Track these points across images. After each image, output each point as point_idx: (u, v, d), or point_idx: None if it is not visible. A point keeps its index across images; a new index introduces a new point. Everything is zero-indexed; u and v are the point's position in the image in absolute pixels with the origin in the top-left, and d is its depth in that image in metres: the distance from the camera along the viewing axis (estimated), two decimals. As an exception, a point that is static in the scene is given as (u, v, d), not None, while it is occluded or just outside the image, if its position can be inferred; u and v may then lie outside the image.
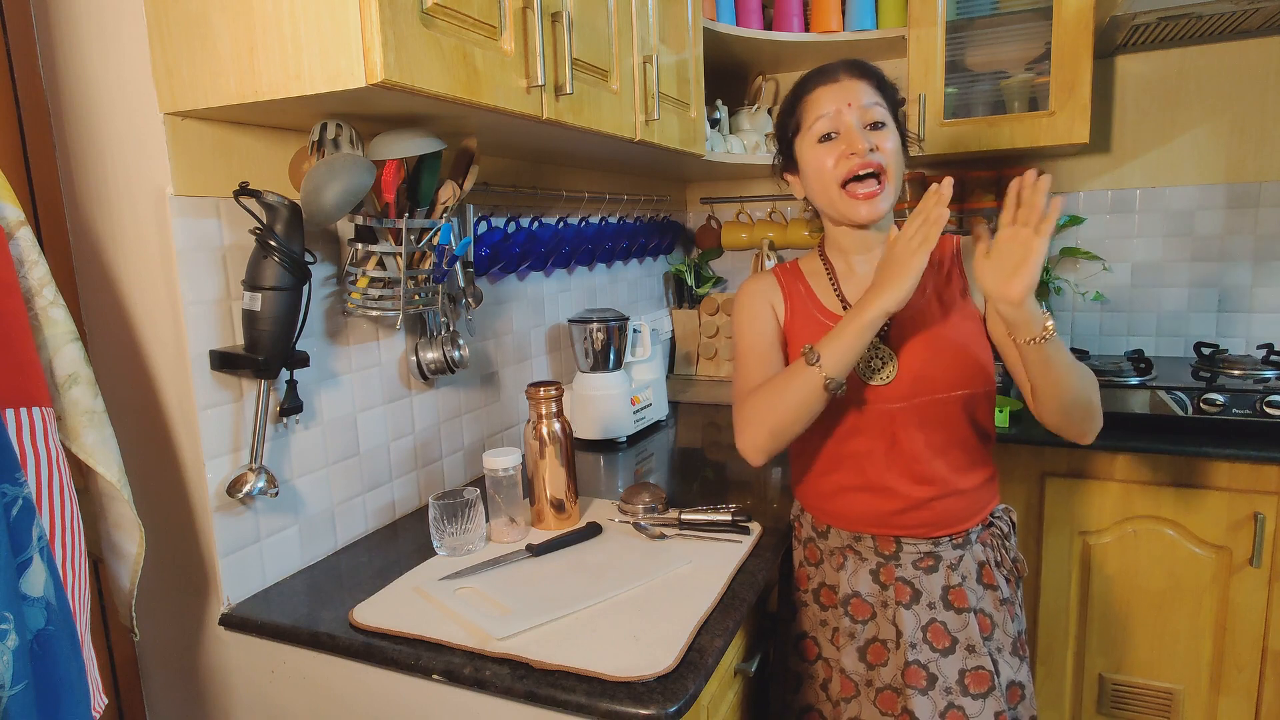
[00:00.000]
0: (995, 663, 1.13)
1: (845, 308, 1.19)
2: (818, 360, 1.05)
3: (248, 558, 1.15)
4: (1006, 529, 1.21)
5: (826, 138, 1.13)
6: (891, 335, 1.15)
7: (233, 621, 1.09)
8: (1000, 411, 1.77)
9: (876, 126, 1.12)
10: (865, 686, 1.17)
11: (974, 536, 1.17)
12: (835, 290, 1.21)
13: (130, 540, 0.98)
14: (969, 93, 2.14)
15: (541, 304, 1.91)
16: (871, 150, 1.10)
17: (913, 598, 1.14)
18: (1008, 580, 1.19)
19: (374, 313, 1.26)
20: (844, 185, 1.12)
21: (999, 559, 1.18)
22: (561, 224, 1.96)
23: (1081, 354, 2.10)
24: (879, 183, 1.11)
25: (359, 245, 1.22)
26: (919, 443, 1.13)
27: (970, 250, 1.18)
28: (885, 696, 1.14)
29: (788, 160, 1.22)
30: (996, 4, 2.06)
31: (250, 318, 1.06)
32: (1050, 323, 1.00)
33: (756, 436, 1.13)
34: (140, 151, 1.04)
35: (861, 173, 1.10)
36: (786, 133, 1.20)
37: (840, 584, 1.20)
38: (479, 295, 1.58)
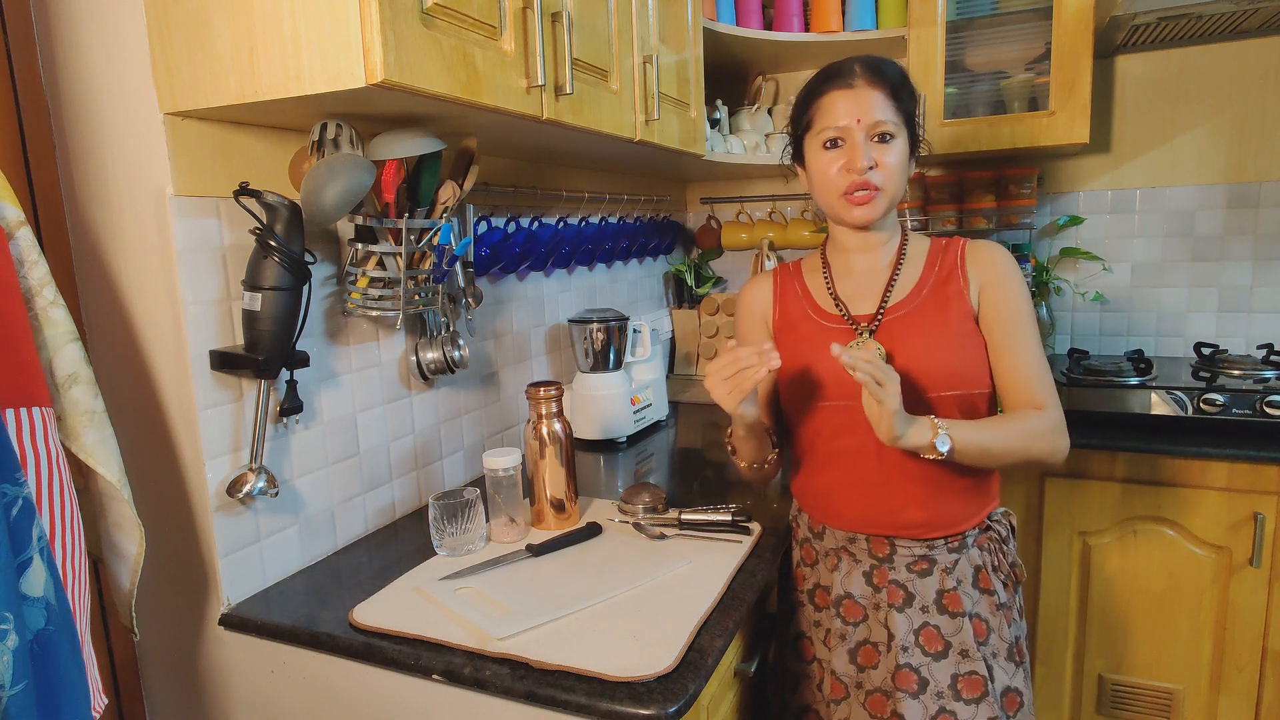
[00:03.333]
0: (990, 668, 1.12)
1: (838, 306, 1.20)
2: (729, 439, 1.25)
3: (248, 558, 1.15)
4: (1005, 533, 1.20)
5: (833, 143, 1.13)
6: (881, 333, 1.15)
7: (233, 621, 1.09)
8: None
9: (884, 139, 1.12)
10: (855, 689, 1.16)
11: (970, 540, 1.16)
12: (830, 289, 1.22)
13: (130, 540, 0.98)
14: (969, 93, 2.14)
15: (541, 304, 1.91)
16: (871, 168, 1.11)
17: (905, 600, 1.14)
18: (1005, 585, 1.18)
19: (374, 313, 1.26)
20: (846, 194, 1.14)
21: (996, 563, 1.17)
22: (561, 224, 1.96)
23: (1081, 354, 2.10)
24: (875, 190, 1.12)
25: (359, 245, 1.22)
26: None
27: (974, 253, 1.18)
28: (875, 699, 1.14)
29: (797, 153, 1.22)
30: (996, 4, 2.06)
31: (250, 318, 1.06)
32: (943, 447, 1.04)
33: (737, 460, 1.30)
34: (140, 151, 1.04)
35: (857, 191, 1.12)
36: (798, 128, 1.20)
37: (834, 585, 1.20)
38: (479, 295, 1.58)
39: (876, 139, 1.12)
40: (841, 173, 1.12)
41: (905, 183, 1.16)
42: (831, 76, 1.15)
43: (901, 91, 1.14)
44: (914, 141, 1.17)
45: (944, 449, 1.03)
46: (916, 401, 1.11)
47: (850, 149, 1.11)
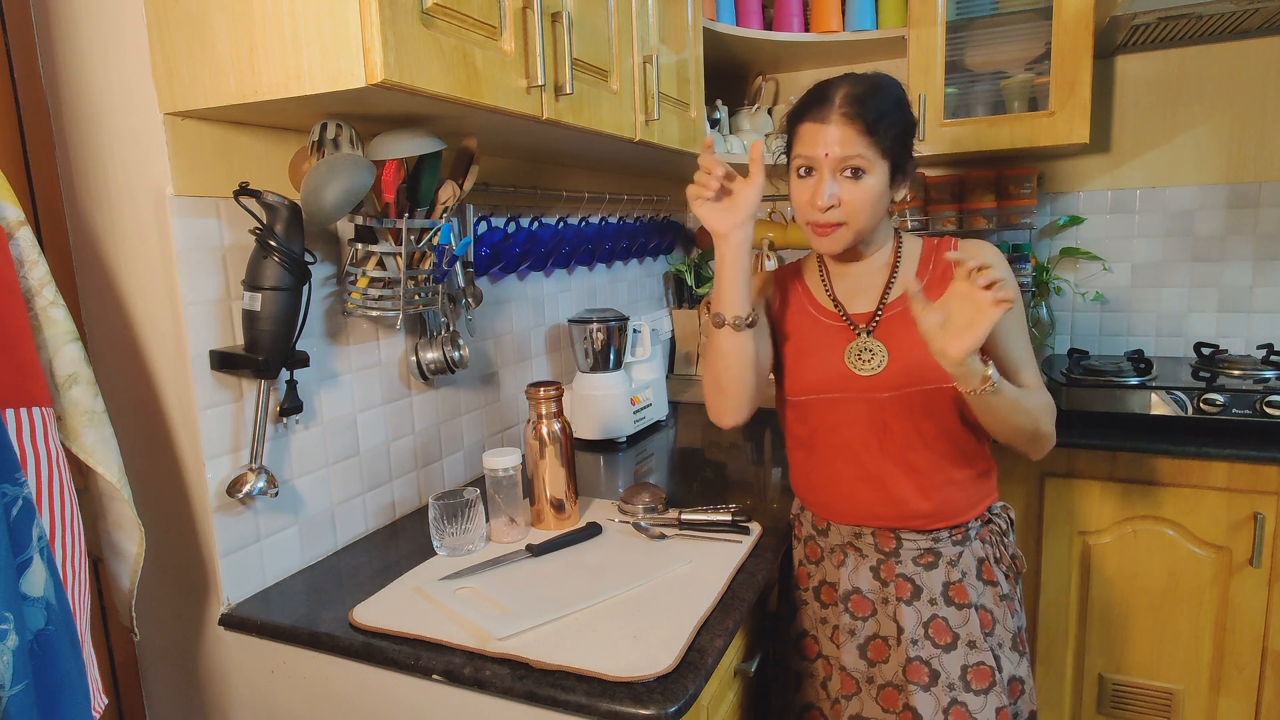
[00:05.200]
0: (997, 658, 1.14)
1: (836, 305, 1.20)
2: (714, 314, 1.16)
3: (248, 558, 1.15)
4: (1005, 526, 1.22)
5: (807, 171, 1.13)
6: (880, 328, 1.16)
7: (233, 621, 1.09)
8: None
9: (855, 173, 1.09)
10: (866, 684, 1.17)
11: (973, 533, 1.18)
12: (827, 290, 1.23)
13: (130, 540, 0.98)
14: (969, 93, 2.14)
15: (541, 304, 1.91)
16: (831, 209, 1.10)
17: (913, 594, 1.15)
18: (1007, 576, 1.20)
19: (374, 313, 1.26)
20: (811, 227, 1.14)
21: (998, 555, 1.20)
22: (561, 224, 1.96)
23: (1081, 354, 2.10)
24: (836, 226, 1.12)
25: (359, 245, 1.22)
26: (911, 432, 1.14)
27: (965, 251, 1.18)
28: (887, 693, 1.15)
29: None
30: (996, 4, 2.06)
31: (250, 318, 1.06)
32: (991, 374, 1.00)
33: (708, 399, 1.23)
34: (140, 151, 1.04)
35: (819, 226, 1.12)
36: (785, 144, 1.20)
37: (840, 581, 1.21)
38: (479, 295, 1.58)
39: (848, 173, 1.09)
40: (808, 204, 1.12)
41: (881, 212, 1.14)
42: (810, 104, 1.13)
43: (880, 125, 1.09)
44: (898, 167, 1.13)
45: (994, 376, 1.01)
46: (916, 393, 1.13)
47: (817, 181, 1.11)
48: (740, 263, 1.13)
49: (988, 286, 0.94)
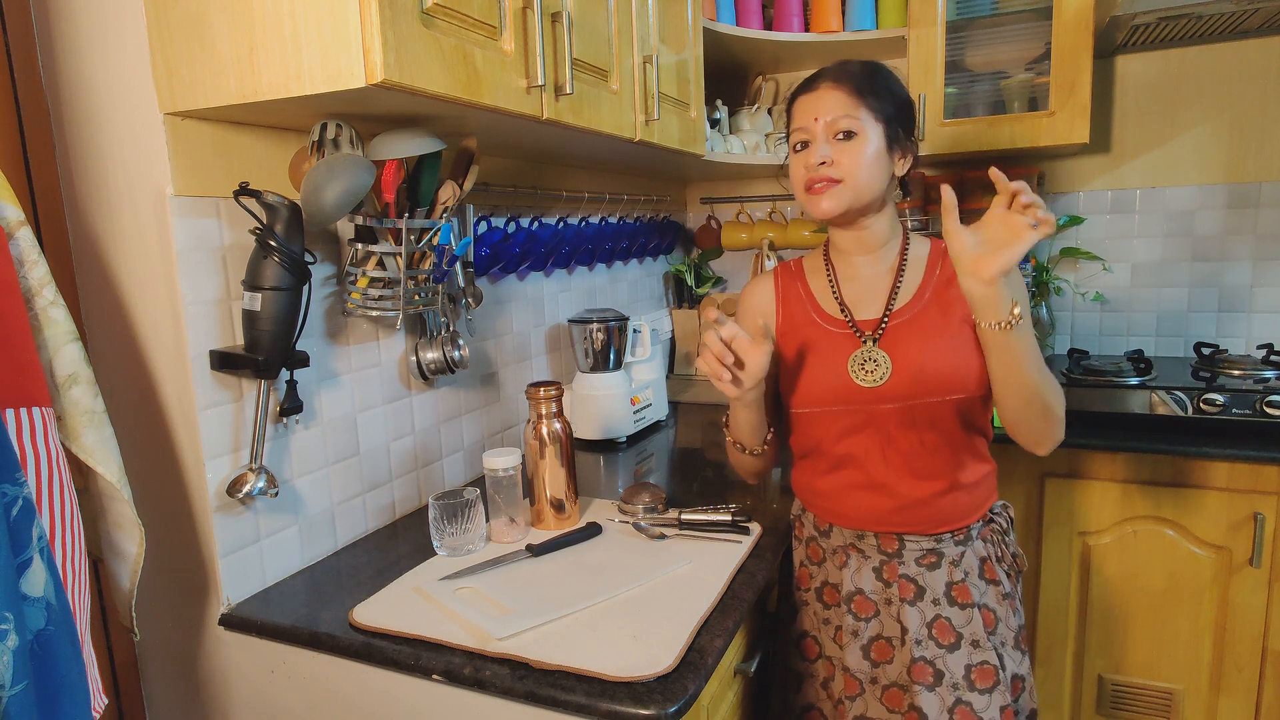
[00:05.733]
0: (1000, 657, 1.14)
1: (843, 311, 1.20)
2: (734, 441, 1.25)
3: (248, 558, 1.15)
4: (1005, 525, 1.22)
5: (803, 145, 1.15)
6: (885, 339, 1.16)
7: (233, 621, 1.09)
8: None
9: (847, 136, 1.11)
10: (870, 684, 1.17)
11: (975, 532, 1.18)
12: (835, 293, 1.22)
13: (130, 540, 0.98)
14: (969, 93, 2.14)
15: (541, 304, 1.91)
16: (823, 164, 1.11)
17: (916, 594, 1.15)
18: (1008, 575, 1.20)
19: (374, 313, 1.26)
20: (807, 189, 1.15)
21: (999, 554, 1.20)
22: (561, 224, 1.96)
23: (1081, 354, 2.10)
24: (831, 182, 1.12)
25: (359, 245, 1.22)
26: (914, 441, 1.14)
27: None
28: (891, 694, 1.15)
29: None
30: (996, 4, 2.06)
31: (250, 318, 1.06)
32: (1018, 309, 0.99)
33: (735, 469, 1.33)
34: (140, 151, 1.04)
35: (815, 184, 1.13)
36: (786, 134, 1.21)
37: (843, 582, 1.20)
38: (479, 295, 1.58)
39: (840, 136, 1.12)
40: (803, 169, 1.14)
41: (880, 177, 1.13)
42: (802, 85, 1.18)
43: (867, 88, 1.12)
44: (894, 138, 1.14)
45: (1019, 312, 1.00)
46: (920, 405, 1.12)
47: (811, 148, 1.14)
48: (756, 408, 1.16)
49: (1024, 211, 0.95)
